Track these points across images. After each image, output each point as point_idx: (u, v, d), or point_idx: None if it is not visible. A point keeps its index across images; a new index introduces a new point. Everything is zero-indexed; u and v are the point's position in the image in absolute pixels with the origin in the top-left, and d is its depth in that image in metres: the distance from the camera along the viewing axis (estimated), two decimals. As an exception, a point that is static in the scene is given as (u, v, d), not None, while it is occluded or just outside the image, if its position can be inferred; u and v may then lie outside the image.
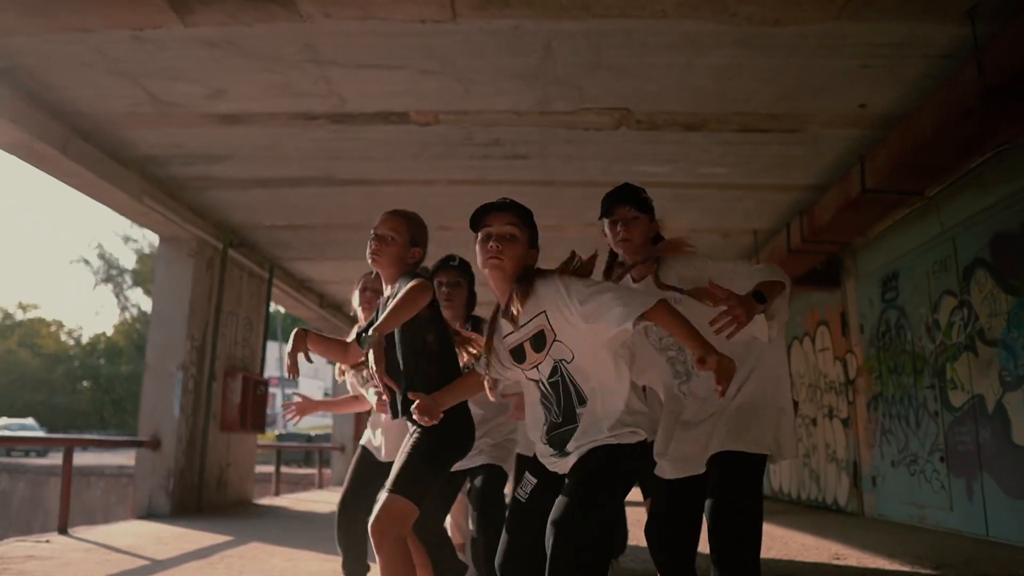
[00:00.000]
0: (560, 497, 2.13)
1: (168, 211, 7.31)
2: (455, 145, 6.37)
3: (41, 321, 55.74)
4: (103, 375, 49.87)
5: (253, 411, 8.91)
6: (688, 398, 2.57)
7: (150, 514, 7.52)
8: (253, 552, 5.32)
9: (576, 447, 2.22)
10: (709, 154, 6.47)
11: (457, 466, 2.85)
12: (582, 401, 2.26)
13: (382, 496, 2.45)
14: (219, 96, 5.55)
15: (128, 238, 52.91)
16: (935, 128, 5.05)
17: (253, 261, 9.35)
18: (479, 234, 2.41)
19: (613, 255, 2.76)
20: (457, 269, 3.33)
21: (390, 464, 2.63)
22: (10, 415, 43.03)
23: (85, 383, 50.48)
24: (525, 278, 2.36)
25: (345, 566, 3.32)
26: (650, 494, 3.16)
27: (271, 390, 10.87)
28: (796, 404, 3.98)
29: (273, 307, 14.89)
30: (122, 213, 7.30)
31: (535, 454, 2.43)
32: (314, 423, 48.34)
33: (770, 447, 2.45)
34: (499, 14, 4.45)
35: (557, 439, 2.29)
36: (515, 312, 2.31)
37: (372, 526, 2.40)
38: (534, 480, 2.34)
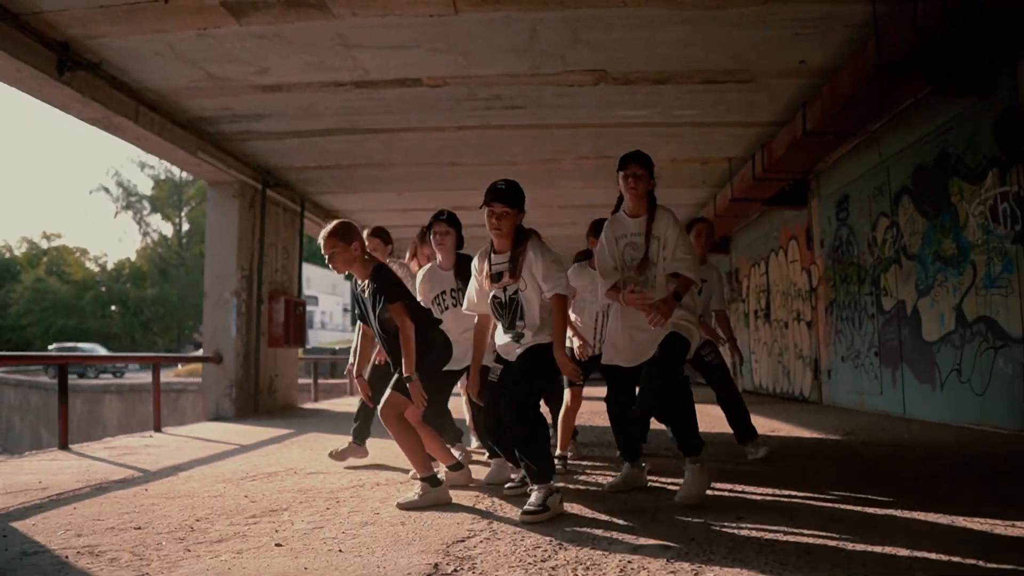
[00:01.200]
0: (512, 374, 3.45)
1: (216, 161, 8.52)
2: (461, 101, 7.50)
3: (66, 249, 57.44)
4: (131, 299, 51.58)
5: (294, 329, 10.32)
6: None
7: (217, 417, 9.01)
8: (314, 438, 6.76)
9: (523, 344, 3.49)
10: (680, 100, 7.55)
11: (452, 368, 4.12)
12: (522, 316, 3.51)
13: (385, 393, 3.75)
14: (264, 73, 6.69)
15: (144, 164, 53.99)
16: (853, 85, 6.16)
17: (287, 198, 10.59)
18: (486, 209, 3.57)
19: (620, 199, 3.88)
20: (446, 221, 4.44)
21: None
22: (44, 341, 45.28)
23: (113, 307, 52.08)
24: (518, 237, 3.55)
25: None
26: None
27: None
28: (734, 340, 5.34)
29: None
30: (180, 166, 8.56)
31: (496, 355, 3.68)
32: (337, 338, 50.29)
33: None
34: (492, 8, 5.54)
35: (514, 336, 3.53)
36: (510, 255, 3.50)
37: (380, 412, 3.71)
38: (500, 366, 3.64)
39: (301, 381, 12.67)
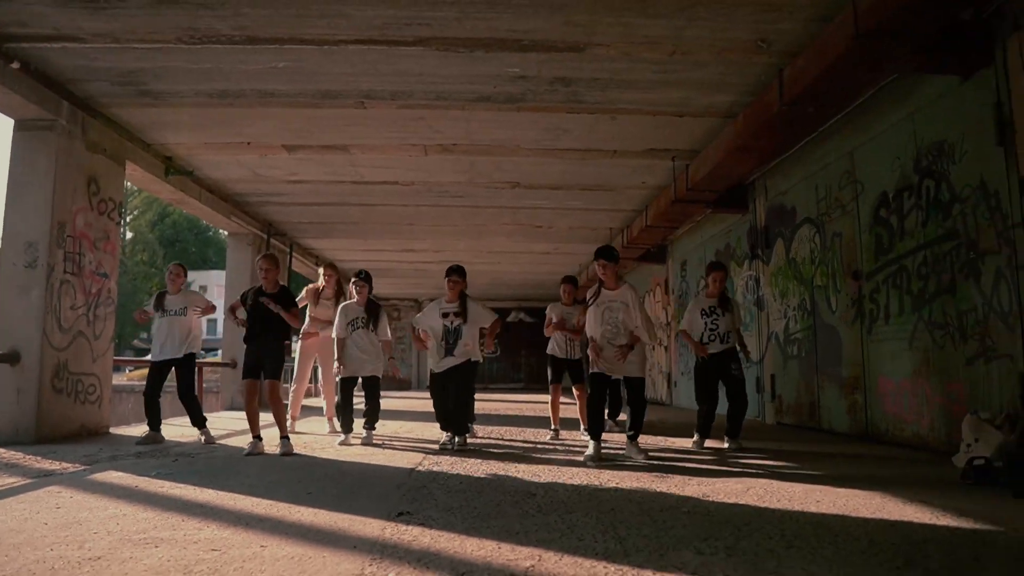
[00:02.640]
0: (454, 380, 6.80)
1: (241, 220, 11.86)
2: (422, 193, 11.06)
3: None
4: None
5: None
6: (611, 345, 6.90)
7: (232, 407, 12.25)
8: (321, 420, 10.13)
9: (457, 358, 6.82)
10: (569, 196, 11.25)
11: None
12: (460, 339, 6.89)
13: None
14: (293, 175, 10.13)
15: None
16: (667, 204, 10.00)
17: (281, 242, 13.94)
18: (447, 279, 6.93)
19: (600, 280, 5.96)
20: (363, 279, 7.12)
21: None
22: None
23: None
24: (462, 296, 6.95)
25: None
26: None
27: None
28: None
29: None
30: (214, 223, 11.83)
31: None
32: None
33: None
34: (449, 153, 9.13)
35: (449, 353, 6.85)
36: (457, 306, 6.86)
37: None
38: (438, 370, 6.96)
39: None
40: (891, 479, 4.51)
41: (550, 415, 7.51)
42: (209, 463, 5.26)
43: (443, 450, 6.22)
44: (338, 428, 7.26)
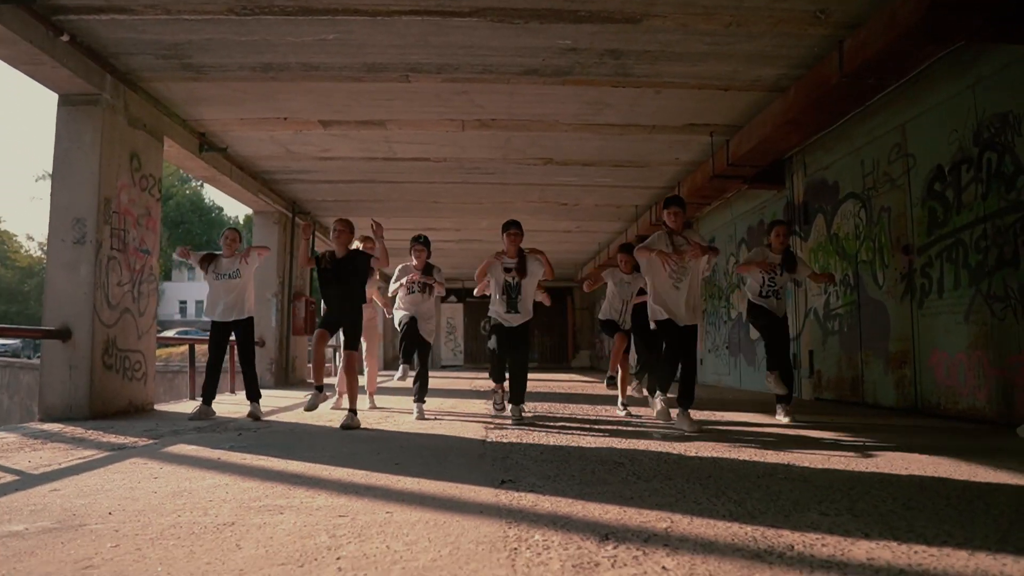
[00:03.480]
0: (517, 346, 6.82)
1: (267, 198, 11.81)
2: (453, 169, 11.00)
3: (7, 234, 58.26)
4: (77, 285, 52.73)
5: (310, 321, 13.61)
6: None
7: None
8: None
9: (521, 315, 6.82)
10: (599, 173, 11.21)
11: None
12: (520, 295, 6.89)
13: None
14: (326, 151, 10.07)
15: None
16: (703, 179, 9.94)
17: (303, 219, 13.88)
18: (504, 233, 6.90)
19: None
20: (421, 243, 7.45)
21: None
22: (-10, 323, 46.46)
23: (57, 293, 52.89)
24: (520, 252, 6.88)
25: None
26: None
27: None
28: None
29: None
30: (242, 201, 11.77)
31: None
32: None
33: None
34: (485, 128, 9.06)
35: (513, 309, 6.88)
36: (516, 261, 6.80)
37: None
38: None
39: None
40: (964, 448, 4.51)
41: (618, 383, 7.32)
42: (276, 437, 5.27)
43: (502, 414, 6.43)
44: (378, 405, 7.26)
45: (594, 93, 7.84)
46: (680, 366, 5.82)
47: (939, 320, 6.49)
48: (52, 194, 6.88)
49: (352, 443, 4.89)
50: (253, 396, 6.91)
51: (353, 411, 6.03)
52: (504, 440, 4.99)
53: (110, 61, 6.98)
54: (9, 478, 3.60)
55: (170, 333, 44.22)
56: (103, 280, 6.91)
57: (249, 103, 8.22)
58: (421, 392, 6.96)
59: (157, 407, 8.07)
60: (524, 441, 4.93)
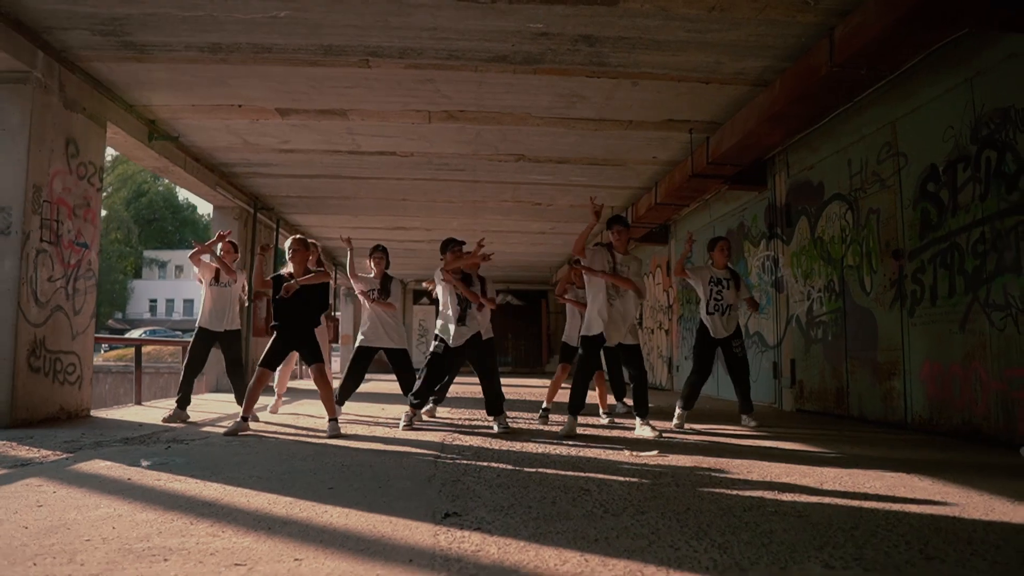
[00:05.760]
0: (483, 355, 6.38)
1: (227, 193, 11.21)
2: (421, 165, 10.48)
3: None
4: (43, 282, 51.54)
5: (270, 322, 13.00)
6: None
7: (217, 390, 11.65)
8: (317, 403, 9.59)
9: (470, 328, 6.38)
10: (574, 172, 10.75)
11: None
12: (470, 307, 6.42)
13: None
14: (285, 143, 9.51)
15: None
16: (682, 179, 9.51)
17: (267, 217, 13.29)
18: (448, 254, 6.48)
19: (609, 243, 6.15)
20: (380, 251, 7.27)
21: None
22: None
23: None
24: (467, 275, 6.48)
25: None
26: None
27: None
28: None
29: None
30: (199, 195, 11.16)
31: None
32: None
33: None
34: (453, 121, 8.56)
35: (464, 322, 6.43)
36: (475, 278, 6.42)
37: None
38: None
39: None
40: (970, 472, 4.08)
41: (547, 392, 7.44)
42: (207, 451, 4.72)
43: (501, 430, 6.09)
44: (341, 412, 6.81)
45: (568, 84, 7.37)
46: (632, 379, 6.09)
47: (932, 329, 6.08)
48: (-27, 180, 6.29)
49: (291, 460, 4.37)
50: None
51: (335, 419, 5.82)
52: (458, 461, 4.49)
53: (42, 36, 6.38)
54: None
55: (137, 333, 43.23)
56: (30, 275, 6.31)
57: (200, 88, 7.65)
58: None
59: (97, 413, 7.48)
60: (480, 461, 4.43)
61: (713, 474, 4.00)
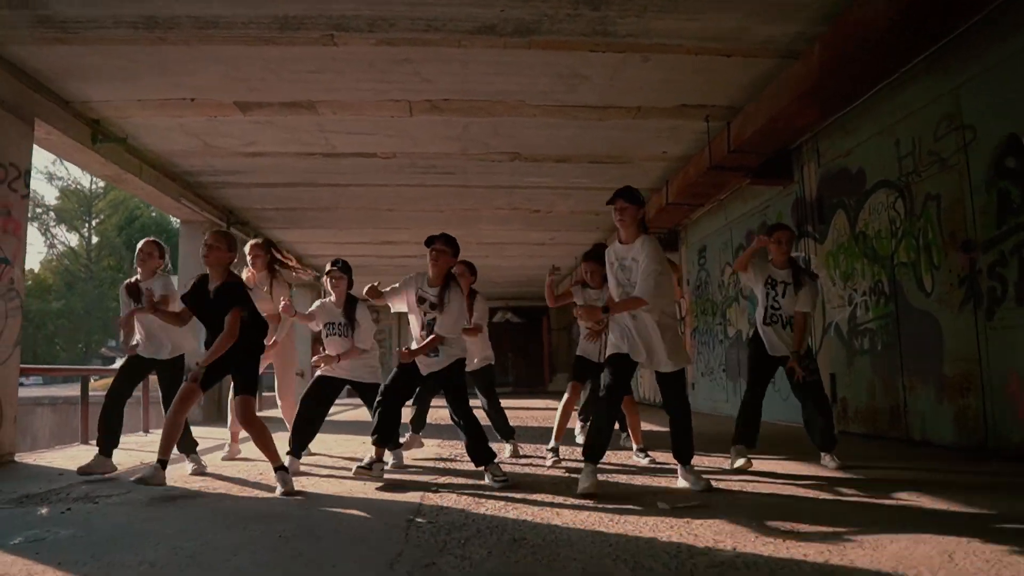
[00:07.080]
0: (458, 387, 5.02)
1: (193, 205, 10.17)
2: (404, 168, 9.45)
3: (-39, 258, 55.67)
4: (33, 311, 50.50)
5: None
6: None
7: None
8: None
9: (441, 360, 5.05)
10: (575, 173, 9.69)
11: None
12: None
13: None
14: (251, 144, 8.47)
15: (53, 176, 53.36)
16: (696, 175, 8.47)
17: (244, 232, 12.23)
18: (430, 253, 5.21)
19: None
20: (339, 268, 5.40)
21: None
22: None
23: (13, 320, 50.70)
24: (447, 280, 5.24)
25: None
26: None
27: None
28: None
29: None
30: (164, 209, 10.15)
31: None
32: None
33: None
34: (437, 114, 7.54)
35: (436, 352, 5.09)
36: (438, 291, 5.14)
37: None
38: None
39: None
40: None
41: (555, 424, 5.64)
42: (110, 518, 3.62)
43: (499, 480, 4.51)
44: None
45: (567, 61, 6.34)
46: (670, 415, 4.50)
47: (1018, 335, 5.00)
48: None
49: (212, 530, 3.27)
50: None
51: (282, 468, 4.42)
52: (440, 520, 3.38)
53: (-58, 14, 5.38)
54: None
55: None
56: (-72, 297, 5.25)
57: (143, 77, 6.62)
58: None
59: (25, 457, 6.40)
60: (465, 531, 3.26)
61: (780, 545, 2.90)
